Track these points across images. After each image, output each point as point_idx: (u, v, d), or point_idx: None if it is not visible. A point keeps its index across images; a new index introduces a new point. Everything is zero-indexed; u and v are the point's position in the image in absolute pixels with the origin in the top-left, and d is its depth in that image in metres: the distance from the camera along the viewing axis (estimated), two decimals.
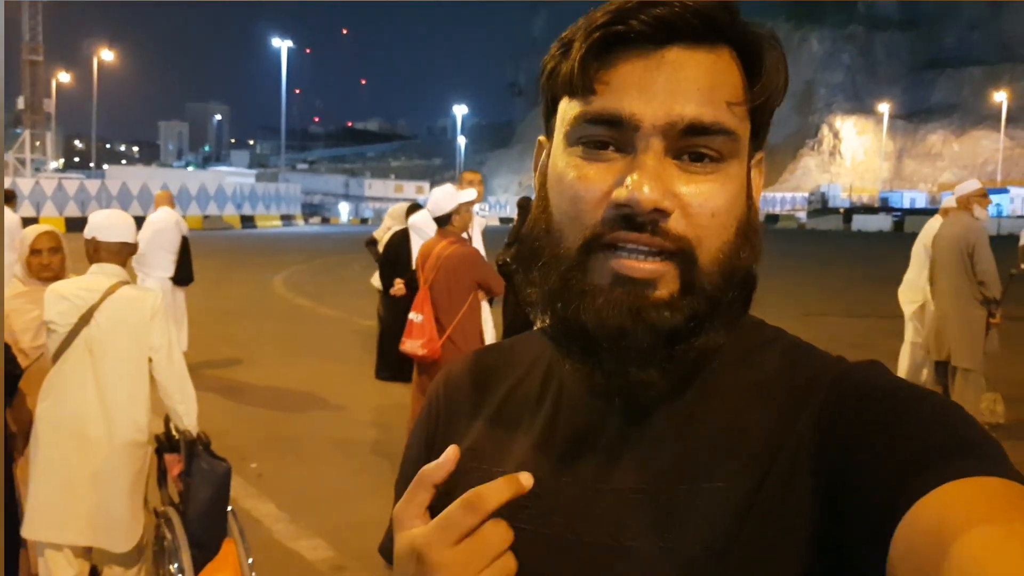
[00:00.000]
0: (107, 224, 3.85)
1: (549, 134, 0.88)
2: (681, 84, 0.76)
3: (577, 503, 0.81)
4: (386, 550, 1.01)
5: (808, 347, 0.85)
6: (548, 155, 0.87)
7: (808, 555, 0.70)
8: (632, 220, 0.75)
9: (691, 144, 0.77)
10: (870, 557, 0.64)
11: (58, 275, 4.29)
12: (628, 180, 0.75)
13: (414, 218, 8.10)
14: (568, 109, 0.81)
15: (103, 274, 3.78)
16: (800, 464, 0.74)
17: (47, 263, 4.28)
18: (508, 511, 0.82)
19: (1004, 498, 0.60)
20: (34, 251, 4.27)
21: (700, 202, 0.77)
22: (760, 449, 0.76)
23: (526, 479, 0.75)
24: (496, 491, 0.74)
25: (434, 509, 0.89)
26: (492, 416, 0.93)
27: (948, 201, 8.57)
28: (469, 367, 1.01)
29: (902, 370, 8.70)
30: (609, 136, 0.78)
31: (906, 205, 76.36)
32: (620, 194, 0.75)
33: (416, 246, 7.12)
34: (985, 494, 0.60)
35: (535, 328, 0.91)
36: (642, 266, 0.76)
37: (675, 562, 0.74)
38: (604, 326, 0.77)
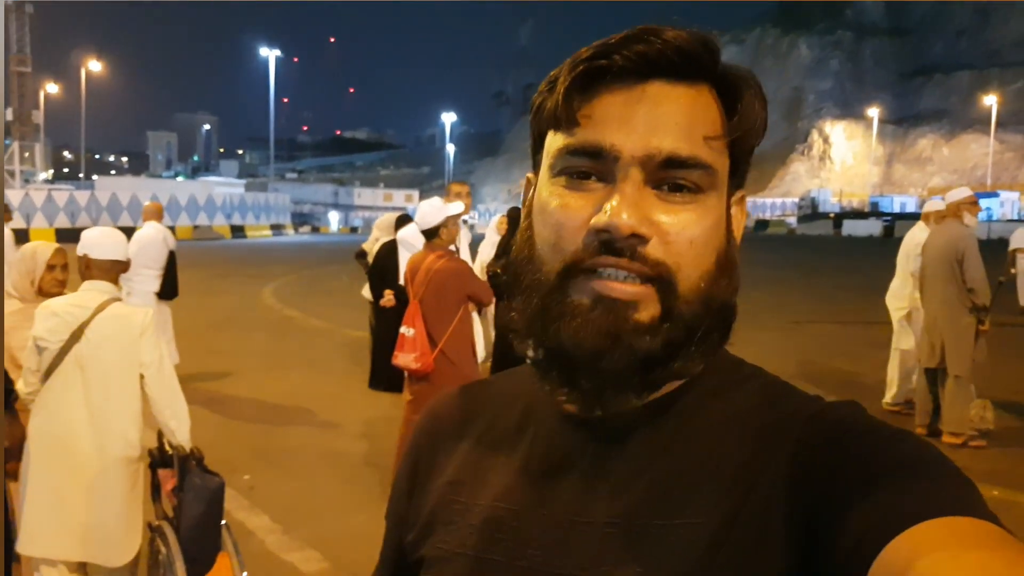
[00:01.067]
0: (99, 242, 3.87)
1: (536, 169, 0.90)
2: (660, 118, 0.79)
3: (552, 535, 0.82)
4: None
5: (785, 385, 0.87)
6: (535, 189, 0.89)
7: None
8: (611, 245, 0.77)
9: (669, 176, 0.79)
10: None
11: (63, 293, 4.32)
12: (607, 207, 0.77)
13: (402, 232, 8.11)
14: (553, 142, 0.84)
15: (94, 291, 3.80)
16: (774, 501, 0.74)
17: (61, 279, 4.31)
18: (483, 544, 0.85)
19: (975, 538, 0.61)
20: (50, 267, 4.30)
21: (678, 230, 0.79)
22: (734, 484, 0.77)
23: None
24: None
25: (416, 544, 0.94)
26: (472, 449, 0.95)
27: (929, 206, 8.65)
28: (452, 402, 1.03)
29: (891, 378, 8.76)
30: (591, 167, 0.80)
31: (896, 210, 76.61)
32: (599, 220, 0.77)
33: (404, 260, 7.14)
34: (956, 535, 0.61)
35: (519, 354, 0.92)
36: (624, 287, 0.78)
37: None
38: (581, 347, 0.78)
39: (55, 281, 4.28)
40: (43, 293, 4.24)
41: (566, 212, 0.81)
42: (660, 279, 0.78)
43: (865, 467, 0.70)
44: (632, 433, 0.83)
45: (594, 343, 0.78)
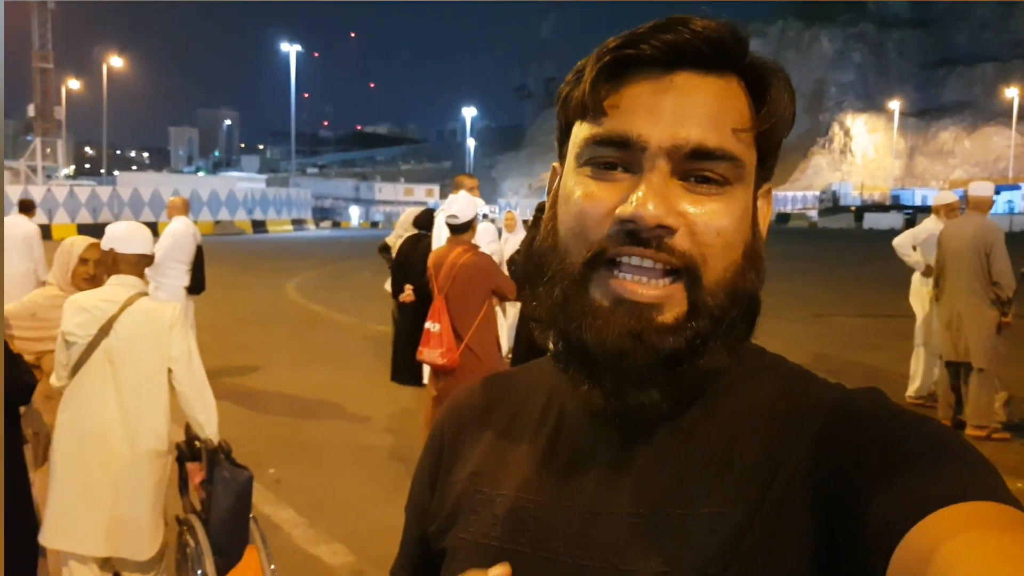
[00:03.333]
0: (125, 236, 3.88)
1: (562, 159, 0.90)
2: (688, 108, 0.78)
3: (575, 526, 0.82)
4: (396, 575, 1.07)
5: (807, 373, 0.86)
6: (560, 179, 0.89)
7: None
8: (637, 236, 0.77)
9: (696, 167, 0.79)
10: None
11: (96, 285, 4.35)
12: (633, 197, 0.77)
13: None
14: (579, 132, 0.84)
15: (122, 285, 3.82)
16: (797, 489, 0.74)
17: (93, 273, 4.34)
18: (507, 534, 0.86)
19: (998, 522, 0.61)
20: (82, 260, 4.33)
21: (705, 220, 0.78)
22: (757, 473, 0.77)
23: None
24: None
25: (439, 535, 0.95)
26: (495, 440, 0.95)
27: (940, 199, 8.62)
28: (473, 394, 1.03)
29: (914, 371, 8.74)
30: (617, 157, 0.80)
31: (917, 203, 76.02)
32: (625, 210, 0.77)
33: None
34: (980, 519, 0.61)
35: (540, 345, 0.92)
36: (644, 291, 0.78)
37: None
38: (604, 347, 0.79)
39: (86, 274, 4.31)
40: (75, 285, 4.27)
41: (591, 201, 0.80)
42: (687, 270, 0.78)
43: (888, 452, 0.70)
44: (655, 424, 0.83)
45: (617, 344, 0.78)
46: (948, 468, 0.67)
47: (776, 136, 0.83)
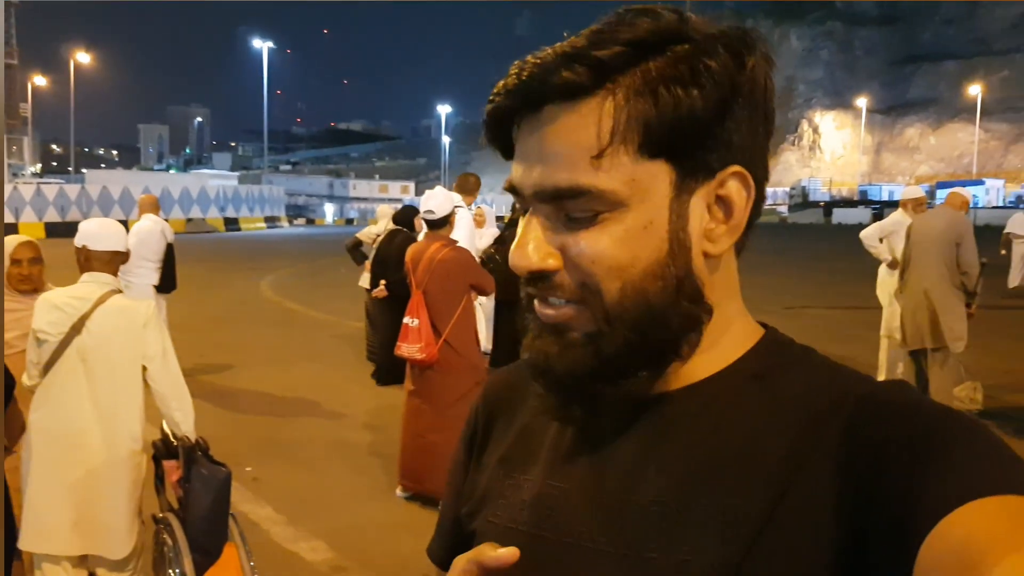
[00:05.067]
0: (98, 233, 3.84)
1: None
2: (544, 150, 0.78)
3: (600, 514, 0.83)
4: (432, 553, 1.08)
5: (835, 366, 0.85)
6: None
7: (829, 570, 0.71)
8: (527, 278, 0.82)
9: (565, 207, 0.79)
10: (895, 573, 0.65)
11: (37, 287, 4.27)
12: (514, 244, 0.81)
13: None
14: None
15: (95, 283, 3.77)
16: (824, 481, 0.74)
17: (27, 274, 4.24)
18: (533, 520, 0.87)
19: None
20: (14, 261, 4.23)
21: (578, 252, 0.79)
22: (783, 465, 0.76)
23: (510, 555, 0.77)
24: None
25: (470, 517, 0.97)
26: (524, 427, 0.96)
27: (907, 193, 8.85)
28: (506, 380, 1.05)
29: (881, 361, 8.94)
30: (521, 201, 0.83)
31: (885, 198, 76.84)
32: (510, 257, 0.82)
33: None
34: (1010, 514, 0.61)
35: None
36: (550, 312, 0.82)
37: (691, 575, 0.75)
38: (533, 368, 0.84)
39: (20, 276, 4.22)
40: (11, 287, 4.19)
41: (515, 243, 0.83)
42: (583, 300, 0.80)
43: (916, 446, 0.70)
44: (681, 415, 0.83)
45: (542, 364, 0.83)
46: (977, 461, 0.67)
47: (684, 133, 0.77)
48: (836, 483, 0.73)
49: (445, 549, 1.04)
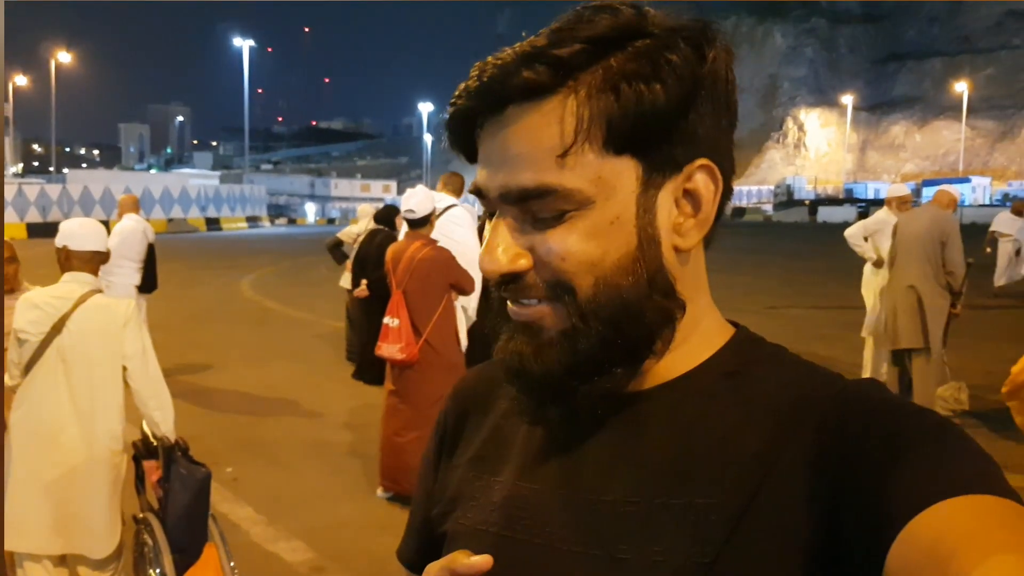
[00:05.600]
0: (78, 232, 3.84)
1: None
2: (508, 151, 0.78)
3: (572, 514, 0.83)
4: (402, 554, 1.07)
5: (806, 364, 0.86)
6: None
7: (801, 569, 0.71)
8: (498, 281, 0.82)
9: (530, 209, 0.79)
10: (866, 572, 0.65)
11: (12, 286, 4.26)
12: (483, 247, 0.81)
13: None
14: None
15: (75, 282, 3.77)
16: (796, 479, 0.74)
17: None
18: (505, 521, 0.86)
19: (999, 518, 0.61)
20: None
21: (547, 250, 0.78)
22: (756, 462, 0.76)
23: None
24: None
25: (440, 518, 0.96)
26: (495, 427, 0.96)
27: (892, 191, 8.86)
28: (478, 378, 1.04)
29: (865, 361, 8.91)
30: (487, 204, 0.83)
31: (870, 196, 77.11)
32: (479, 263, 0.82)
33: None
34: (980, 513, 0.62)
35: None
36: (524, 311, 0.81)
37: (664, 574, 0.75)
38: (508, 370, 0.83)
39: None
40: None
41: (484, 246, 0.83)
42: (556, 298, 0.80)
43: (887, 445, 0.70)
44: (653, 413, 0.83)
45: (515, 365, 0.82)
46: (949, 460, 0.68)
47: (648, 128, 0.78)
48: (808, 481, 0.73)
49: (415, 551, 1.03)
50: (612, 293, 0.78)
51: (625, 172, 0.79)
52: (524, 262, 0.79)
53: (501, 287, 0.82)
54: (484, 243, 0.82)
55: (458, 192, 7.64)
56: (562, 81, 0.77)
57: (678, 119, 0.78)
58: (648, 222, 0.80)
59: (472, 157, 0.85)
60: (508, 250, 0.79)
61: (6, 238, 4.40)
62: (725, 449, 0.79)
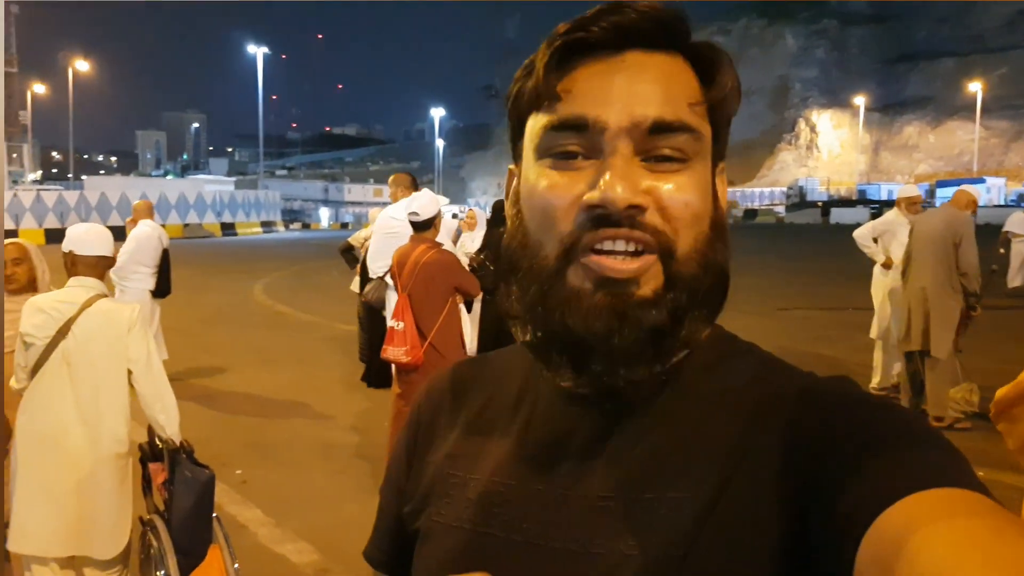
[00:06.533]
0: (84, 238, 3.89)
1: (517, 159, 0.90)
2: (642, 86, 0.79)
3: (548, 509, 0.83)
4: (370, 555, 1.06)
5: (778, 361, 0.87)
6: (519, 178, 0.89)
7: (772, 563, 0.72)
8: (608, 219, 0.77)
9: (657, 144, 0.79)
10: (837, 566, 0.65)
11: (23, 287, 4.31)
12: (600, 182, 0.77)
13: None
14: (535, 123, 0.84)
15: (81, 287, 3.82)
16: (765, 474, 0.75)
17: (9, 274, 4.28)
18: (480, 517, 0.86)
19: (964, 509, 0.61)
20: None
21: (671, 194, 0.79)
22: (726, 457, 0.77)
23: None
24: None
25: (413, 515, 0.95)
26: (469, 424, 0.95)
27: (902, 192, 8.81)
28: (450, 377, 1.03)
29: (876, 362, 8.83)
30: (577, 143, 0.80)
31: (883, 197, 76.58)
32: (592, 196, 0.77)
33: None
34: (946, 506, 0.62)
35: (517, 342, 0.92)
36: (623, 266, 0.78)
37: (636, 569, 0.76)
38: (591, 330, 0.79)
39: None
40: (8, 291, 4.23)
41: (556, 192, 0.81)
42: (660, 246, 0.79)
43: (856, 439, 0.71)
44: (628, 409, 0.84)
45: (604, 324, 0.78)
46: (917, 455, 0.68)
47: (727, 111, 0.84)
48: (779, 476, 0.74)
49: (383, 550, 1.03)
50: (708, 256, 0.82)
51: (710, 143, 0.84)
52: (642, 199, 0.78)
53: (604, 225, 0.78)
54: (606, 176, 0.78)
55: (408, 190, 7.79)
56: (683, 46, 0.83)
57: (733, 114, 0.86)
58: (715, 195, 0.86)
59: (548, 93, 0.82)
60: (628, 186, 0.77)
61: (21, 240, 4.47)
62: (697, 444, 0.80)
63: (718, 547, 0.74)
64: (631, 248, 0.78)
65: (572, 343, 0.81)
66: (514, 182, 0.92)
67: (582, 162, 0.80)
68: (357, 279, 9.77)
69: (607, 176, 0.77)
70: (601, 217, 0.78)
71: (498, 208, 8.90)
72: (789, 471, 0.74)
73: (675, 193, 0.79)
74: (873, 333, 8.88)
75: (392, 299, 7.16)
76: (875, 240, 8.80)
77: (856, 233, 8.91)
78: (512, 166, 0.94)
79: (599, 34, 0.80)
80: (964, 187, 8.02)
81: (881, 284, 8.82)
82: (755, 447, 0.77)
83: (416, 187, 7.96)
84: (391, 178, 8.12)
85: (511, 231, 0.88)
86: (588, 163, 0.80)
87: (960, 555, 0.56)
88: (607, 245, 0.78)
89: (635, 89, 0.79)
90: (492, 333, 7.20)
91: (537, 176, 0.83)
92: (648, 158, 0.79)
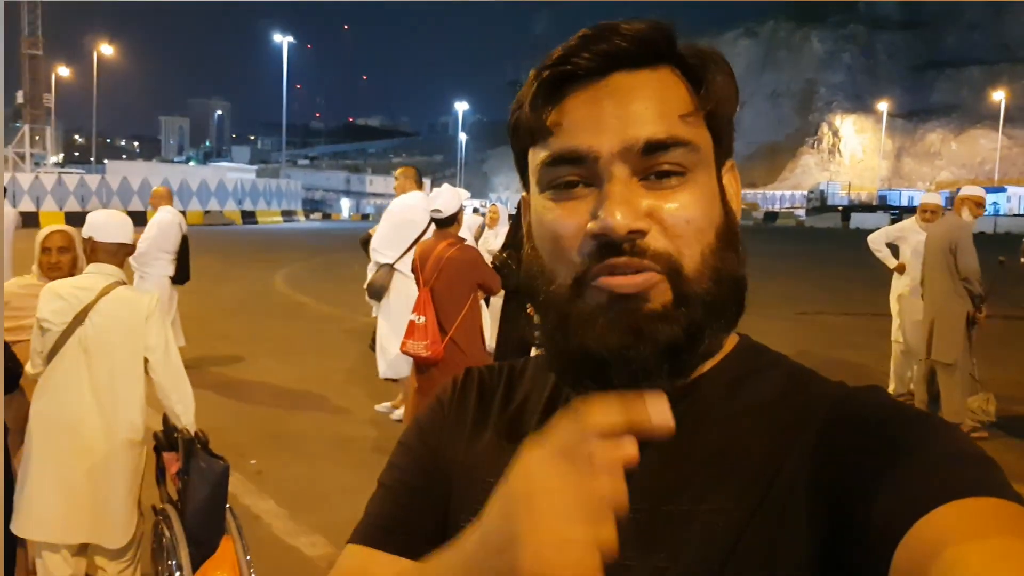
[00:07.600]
0: (104, 224, 3.87)
1: (526, 187, 0.90)
2: (629, 107, 0.79)
3: None
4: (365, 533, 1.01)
5: (808, 371, 0.86)
6: (530, 208, 0.90)
7: (809, 573, 0.72)
8: (612, 247, 0.77)
9: (653, 163, 0.78)
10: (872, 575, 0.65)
11: (69, 274, 4.31)
12: (600, 212, 0.77)
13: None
14: (534, 158, 0.84)
15: (100, 274, 3.80)
16: (798, 486, 0.75)
17: (55, 262, 4.28)
18: None
19: (999, 519, 0.61)
20: (44, 249, 4.29)
21: (672, 213, 0.78)
22: (758, 471, 0.77)
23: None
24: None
25: (439, 512, 0.94)
26: (495, 429, 0.95)
27: (922, 199, 8.82)
28: (479, 379, 1.02)
29: (892, 369, 8.86)
30: (575, 174, 0.80)
31: (904, 203, 76.38)
32: (593, 226, 0.77)
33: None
34: (984, 515, 0.61)
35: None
36: (629, 281, 0.77)
37: None
38: (607, 346, 0.78)
39: (49, 264, 4.27)
40: (45, 275, 4.24)
41: (561, 224, 0.81)
42: (664, 267, 0.78)
43: (890, 449, 0.71)
44: None
45: (619, 341, 0.77)
46: (950, 464, 0.68)
47: (724, 113, 0.83)
48: (812, 490, 0.74)
49: (383, 531, 0.98)
50: (718, 268, 0.80)
51: (711, 150, 0.83)
52: (643, 223, 0.77)
53: (607, 253, 0.77)
54: (604, 203, 0.77)
55: (414, 183, 7.88)
56: (669, 58, 0.82)
57: (733, 113, 0.85)
58: (724, 200, 0.84)
59: (539, 128, 0.82)
60: (628, 211, 0.76)
61: (66, 227, 4.49)
62: (729, 456, 0.79)
63: (755, 560, 0.73)
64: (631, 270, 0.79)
65: (593, 363, 0.79)
66: (528, 211, 0.92)
67: (583, 190, 0.80)
68: None
69: (606, 204, 0.77)
70: (606, 245, 0.78)
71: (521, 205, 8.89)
72: (821, 485, 0.73)
73: (676, 212, 0.78)
74: (894, 337, 8.86)
75: (397, 289, 7.37)
76: (890, 246, 8.87)
77: (870, 237, 8.99)
78: (524, 194, 0.94)
79: (585, 64, 0.80)
80: (964, 188, 8.03)
81: (897, 290, 8.87)
82: (788, 461, 0.77)
83: (421, 181, 8.05)
84: (398, 171, 8.22)
85: (528, 256, 0.89)
86: (589, 191, 0.80)
87: (995, 569, 0.56)
88: (615, 270, 0.79)
89: (623, 112, 0.79)
90: (515, 333, 7.16)
91: (543, 209, 0.84)
92: (647, 176, 0.79)
